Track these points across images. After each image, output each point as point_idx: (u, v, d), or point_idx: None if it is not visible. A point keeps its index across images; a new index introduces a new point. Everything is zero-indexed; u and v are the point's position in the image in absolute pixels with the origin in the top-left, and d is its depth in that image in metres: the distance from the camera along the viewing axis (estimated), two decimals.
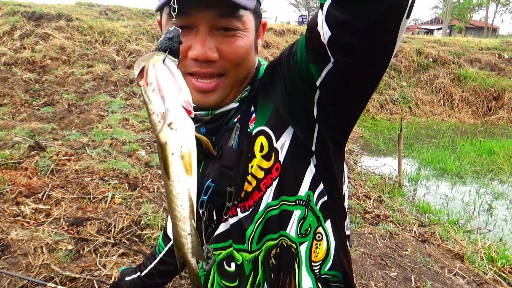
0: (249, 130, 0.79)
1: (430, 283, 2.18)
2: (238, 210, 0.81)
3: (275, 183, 0.78)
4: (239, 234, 0.83)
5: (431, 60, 11.03)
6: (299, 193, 0.79)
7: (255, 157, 0.78)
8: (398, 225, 3.11)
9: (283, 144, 0.77)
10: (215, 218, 0.83)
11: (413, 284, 2.16)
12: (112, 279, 1.80)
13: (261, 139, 0.78)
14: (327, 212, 0.82)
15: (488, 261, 2.72)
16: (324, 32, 0.60)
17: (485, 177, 5.22)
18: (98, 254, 1.98)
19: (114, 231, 2.18)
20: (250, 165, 0.78)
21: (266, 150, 0.77)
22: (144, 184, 2.75)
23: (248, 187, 0.79)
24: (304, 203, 0.81)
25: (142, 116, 4.19)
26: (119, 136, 3.49)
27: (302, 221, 0.82)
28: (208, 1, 0.67)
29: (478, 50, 12.03)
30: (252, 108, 0.81)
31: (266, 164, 0.78)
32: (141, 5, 10.22)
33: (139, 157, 3.17)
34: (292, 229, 0.82)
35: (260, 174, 0.78)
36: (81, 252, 1.98)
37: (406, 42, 12.12)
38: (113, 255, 1.99)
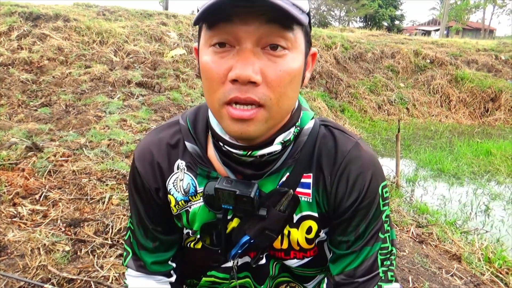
0: (298, 196, 0.76)
1: (427, 284, 2.18)
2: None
3: (306, 259, 0.84)
4: (260, 275, 0.88)
5: (429, 61, 11.07)
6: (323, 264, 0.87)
7: (297, 229, 0.79)
8: (395, 226, 3.11)
9: (325, 232, 0.82)
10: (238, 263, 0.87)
11: (410, 285, 2.16)
12: (110, 280, 1.79)
13: (311, 223, 0.78)
14: None
15: (485, 262, 2.73)
16: None
17: (482, 178, 5.23)
18: (96, 255, 1.97)
19: (111, 232, 2.17)
20: (287, 230, 0.79)
21: (312, 235, 0.79)
22: None
23: (277, 244, 0.81)
24: (325, 269, 0.89)
25: (139, 117, 4.19)
26: (116, 136, 3.48)
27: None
28: (255, 5, 0.55)
29: (475, 52, 12.07)
30: (309, 181, 0.76)
31: (306, 246, 0.81)
32: (139, 5, 10.20)
33: None
34: (311, 285, 0.94)
35: (296, 247, 0.81)
36: (78, 253, 1.98)
37: (404, 43, 12.16)
38: (111, 256, 1.98)
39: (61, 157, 2.97)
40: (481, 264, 2.68)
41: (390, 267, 0.77)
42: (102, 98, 4.66)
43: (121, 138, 3.46)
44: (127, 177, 2.81)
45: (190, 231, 0.83)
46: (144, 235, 0.85)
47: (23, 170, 2.72)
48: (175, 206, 0.81)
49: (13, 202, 2.36)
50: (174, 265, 0.90)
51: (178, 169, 0.79)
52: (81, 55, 5.92)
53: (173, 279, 0.91)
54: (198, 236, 0.82)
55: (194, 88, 5.75)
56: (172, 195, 0.80)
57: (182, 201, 0.79)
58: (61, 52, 5.86)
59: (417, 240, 2.92)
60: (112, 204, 2.46)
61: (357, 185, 0.73)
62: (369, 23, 38.53)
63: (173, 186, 0.79)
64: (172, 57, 6.67)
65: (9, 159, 2.82)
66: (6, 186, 2.47)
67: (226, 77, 0.60)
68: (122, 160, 3.06)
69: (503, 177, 5.26)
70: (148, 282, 0.88)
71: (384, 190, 0.76)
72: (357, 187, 0.73)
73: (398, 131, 4.69)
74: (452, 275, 2.42)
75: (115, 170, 2.85)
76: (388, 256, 0.77)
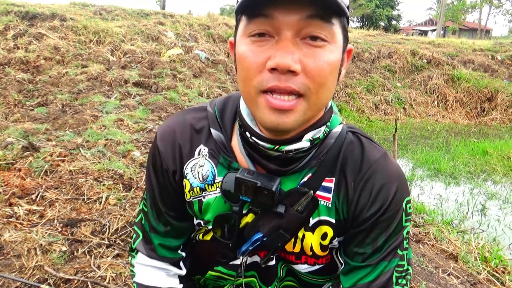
0: (317, 199, 0.73)
1: (424, 283, 2.19)
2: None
3: (317, 266, 0.81)
4: (267, 276, 0.86)
5: (425, 61, 11.10)
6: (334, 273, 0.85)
7: (313, 233, 0.76)
8: None
9: (339, 240, 0.79)
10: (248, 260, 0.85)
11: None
12: (107, 280, 1.79)
13: (327, 229, 0.76)
14: None
15: (482, 261, 2.74)
16: None
17: (479, 178, 5.26)
18: (93, 255, 1.97)
19: (108, 232, 2.16)
20: (301, 233, 0.76)
21: (326, 242, 0.77)
22: (138, 185, 2.74)
23: (289, 247, 0.79)
24: (333, 277, 0.87)
25: (137, 117, 4.18)
26: (113, 136, 3.47)
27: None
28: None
29: (472, 52, 12.11)
30: (330, 186, 0.74)
31: (319, 252, 0.78)
32: (136, 5, 10.17)
33: (133, 157, 3.15)
34: None
35: (308, 252, 0.78)
36: (75, 253, 1.97)
37: (401, 43, 12.19)
38: (108, 256, 1.98)
39: (57, 157, 2.96)
40: (478, 263, 2.69)
41: (404, 287, 0.74)
42: (99, 97, 4.64)
43: (118, 138, 3.45)
44: (124, 177, 2.81)
45: (202, 221, 0.82)
46: (156, 218, 0.84)
47: (20, 170, 2.71)
48: (189, 191, 0.79)
49: (9, 202, 2.35)
50: (183, 254, 0.88)
51: (199, 154, 0.77)
52: (78, 54, 5.90)
53: (182, 272, 0.89)
54: (210, 226, 0.80)
55: (191, 88, 5.74)
56: (188, 180, 0.78)
57: (198, 188, 0.78)
58: (58, 51, 5.84)
59: (414, 239, 2.93)
60: (109, 204, 2.45)
61: (380, 195, 0.71)
62: (366, 23, 38.62)
63: (191, 171, 0.77)
64: (169, 56, 6.66)
65: (5, 159, 2.80)
66: (2, 186, 2.46)
67: (264, 66, 0.59)
68: (119, 160, 3.05)
69: (500, 176, 5.28)
70: (157, 273, 0.86)
71: (408, 205, 0.73)
72: (380, 198, 0.71)
73: (395, 131, 4.69)
74: (448, 274, 2.43)
75: (112, 170, 2.84)
76: (404, 274, 0.74)
